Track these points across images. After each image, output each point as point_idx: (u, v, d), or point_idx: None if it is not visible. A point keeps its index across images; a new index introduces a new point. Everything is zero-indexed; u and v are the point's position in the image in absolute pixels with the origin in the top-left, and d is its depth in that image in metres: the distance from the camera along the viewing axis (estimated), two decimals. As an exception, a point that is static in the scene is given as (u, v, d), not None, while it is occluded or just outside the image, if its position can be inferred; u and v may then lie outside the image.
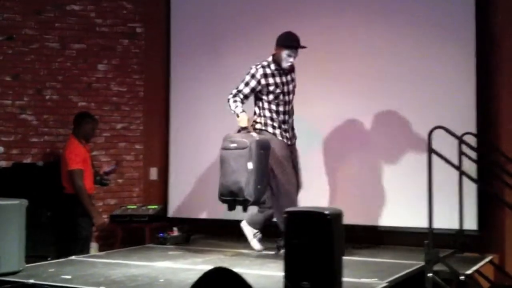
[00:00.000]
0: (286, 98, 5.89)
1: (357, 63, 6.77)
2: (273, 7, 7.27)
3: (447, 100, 6.40)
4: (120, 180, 7.89)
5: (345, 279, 4.13)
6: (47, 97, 7.62)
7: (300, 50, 5.86)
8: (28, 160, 7.36)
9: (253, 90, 5.81)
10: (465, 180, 5.73)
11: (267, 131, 5.82)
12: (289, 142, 5.90)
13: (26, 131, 7.50)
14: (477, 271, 5.56)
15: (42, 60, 7.62)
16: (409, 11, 6.65)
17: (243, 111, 5.75)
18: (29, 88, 7.55)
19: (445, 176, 5.71)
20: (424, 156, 5.23)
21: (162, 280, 4.63)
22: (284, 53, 5.82)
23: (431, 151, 5.18)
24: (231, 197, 5.53)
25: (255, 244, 5.91)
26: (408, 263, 5.33)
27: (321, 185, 6.74)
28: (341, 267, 4.07)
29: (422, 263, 5.05)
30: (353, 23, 6.83)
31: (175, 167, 7.67)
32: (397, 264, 5.32)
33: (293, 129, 6.00)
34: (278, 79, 5.85)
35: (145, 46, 8.07)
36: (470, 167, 5.97)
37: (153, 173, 7.93)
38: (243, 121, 5.71)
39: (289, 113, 5.94)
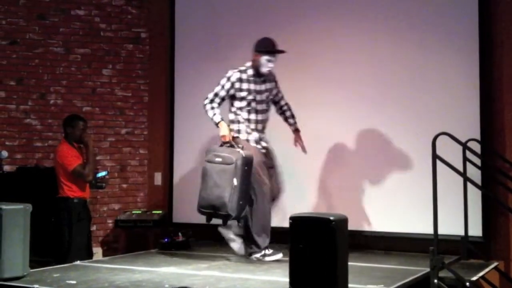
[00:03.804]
0: (258, 107, 5.91)
1: (361, 70, 6.77)
2: (276, 13, 7.28)
3: (452, 107, 6.39)
4: (124, 185, 7.89)
5: (350, 285, 4.12)
6: (51, 101, 7.64)
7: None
8: (32, 165, 7.35)
9: (227, 92, 5.85)
10: (469, 186, 5.71)
11: (239, 137, 5.86)
12: (263, 150, 5.94)
13: (30, 135, 7.53)
14: (482, 277, 5.54)
15: (46, 65, 7.65)
16: (412, 18, 6.64)
17: (222, 119, 5.82)
18: (33, 93, 7.58)
19: (449, 182, 5.70)
20: (428, 162, 5.22)
21: (166, 286, 4.61)
22: (264, 59, 5.86)
23: (435, 157, 5.16)
24: (211, 210, 5.60)
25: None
26: (414, 269, 5.32)
27: (326, 191, 6.74)
28: (346, 273, 4.05)
29: (427, 270, 5.03)
30: (357, 30, 6.83)
31: (179, 172, 7.68)
32: (402, 270, 5.31)
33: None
34: (252, 86, 5.88)
35: (150, 51, 8.08)
36: (474, 174, 5.96)
37: (158, 178, 7.93)
38: (224, 131, 5.75)
39: (263, 122, 5.96)
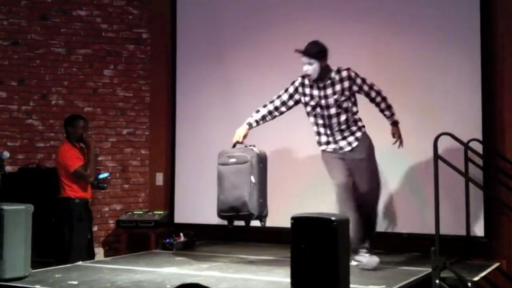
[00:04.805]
0: (325, 112, 5.56)
1: (363, 70, 6.73)
2: (277, 15, 7.27)
3: (453, 107, 6.39)
4: (126, 186, 7.89)
5: (352, 285, 4.11)
6: (53, 102, 7.65)
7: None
8: (33, 165, 7.35)
9: (290, 96, 5.69)
10: (471, 186, 5.71)
11: (321, 149, 5.66)
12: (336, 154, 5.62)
13: (31, 136, 7.53)
14: (484, 277, 5.53)
15: (47, 65, 7.65)
16: (415, 19, 6.63)
17: (250, 123, 5.69)
18: (34, 93, 7.58)
19: (451, 182, 5.70)
20: (430, 163, 5.22)
21: (168, 286, 4.61)
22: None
23: (437, 157, 5.16)
24: (232, 212, 5.53)
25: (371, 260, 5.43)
26: (415, 269, 5.31)
27: (330, 192, 6.72)
28: (347, 273, 4.05)
29: (429, 270, 5.02)
30: (358, 31, 6.82)
31: (180, 173, 7.67)
32: (404, 271, 5.30)
33: (343, 138, 5.62)
34: (315, 92, 5.60)
35: (151, 51, 8.08)
36: (476, 174, 5.96)
37: (159, 179, 7.93)
38: (238, 131, 5.66)
39: (331, 127, 5.57)
